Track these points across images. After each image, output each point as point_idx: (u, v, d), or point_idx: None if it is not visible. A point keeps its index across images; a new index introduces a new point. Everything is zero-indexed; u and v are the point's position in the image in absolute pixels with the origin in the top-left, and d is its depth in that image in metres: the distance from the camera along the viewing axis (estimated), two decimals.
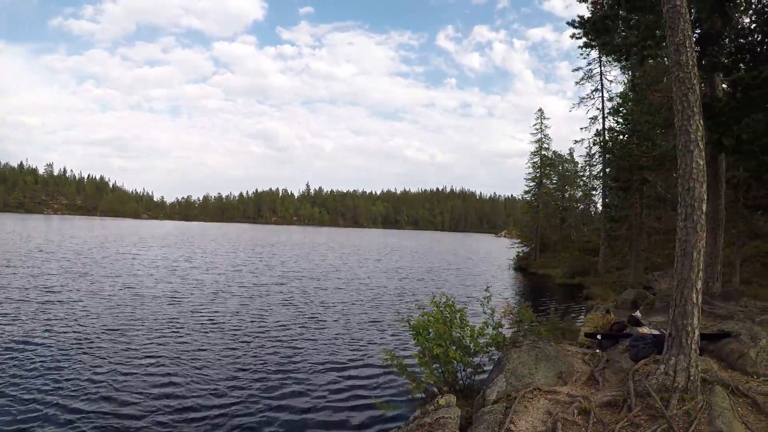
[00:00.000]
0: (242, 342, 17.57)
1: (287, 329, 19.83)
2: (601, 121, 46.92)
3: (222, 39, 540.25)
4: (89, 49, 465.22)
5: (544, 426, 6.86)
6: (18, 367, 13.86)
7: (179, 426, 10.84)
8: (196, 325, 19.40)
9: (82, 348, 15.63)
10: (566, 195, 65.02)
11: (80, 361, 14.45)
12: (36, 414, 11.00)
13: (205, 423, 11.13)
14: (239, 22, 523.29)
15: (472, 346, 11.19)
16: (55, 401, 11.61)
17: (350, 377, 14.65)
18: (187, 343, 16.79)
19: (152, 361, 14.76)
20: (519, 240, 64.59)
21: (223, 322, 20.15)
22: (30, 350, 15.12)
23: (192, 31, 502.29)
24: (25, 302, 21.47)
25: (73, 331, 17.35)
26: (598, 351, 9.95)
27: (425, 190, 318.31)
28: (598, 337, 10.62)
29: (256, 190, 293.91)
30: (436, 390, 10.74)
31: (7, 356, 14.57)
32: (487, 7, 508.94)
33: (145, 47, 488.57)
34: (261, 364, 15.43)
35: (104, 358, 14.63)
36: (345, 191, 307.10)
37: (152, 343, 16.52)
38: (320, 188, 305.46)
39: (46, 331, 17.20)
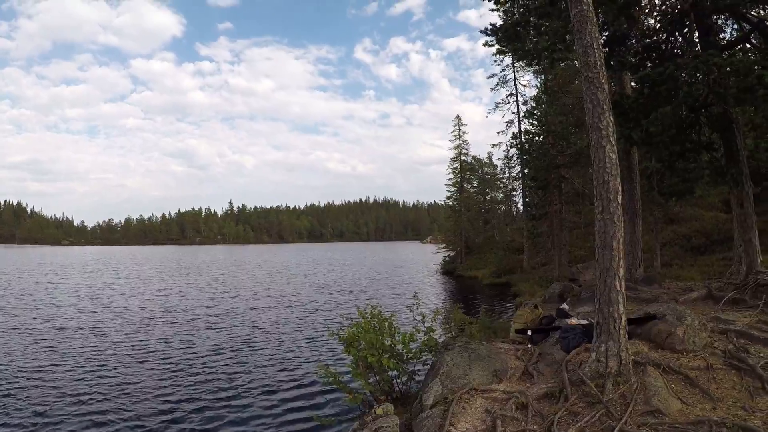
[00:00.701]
0: (173, 370, 16.76)
1: (219, 353, 19.15)
2: (517, 124, 48.25)
3: (140, 56, 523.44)
4: (4, 67, 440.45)
5: (483, 425, 6.83)
6: None
7: None
8: (123, 356, 18.41)
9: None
10: (488, 197, 66.40)
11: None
12: None
13: None
14: (157, 38, 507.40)
15: (404, 352, 11.10)
16: None
17: (287, 396, 14.33)
18: (114, 376, 15.84)
19: (78, 399, 13.81)
20: (444, 245, 65.51)
21: (152, 351, 19.29)
22: None
23: (109, 48, 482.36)
24: None
25: None
26: (530, 346, 10.04)
27: (348, 202, 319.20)
28: (529, 332, 10.73)
29: (179, 211, 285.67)
30: (373, 400, 10.59)
31: None
32: (403, 19, 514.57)
33: (61, 65, 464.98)
34: (194, 391, 14.77)
35: (23, 399, 13.66)
36: (269, 207, 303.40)
37: (77, 379, 15.50)
38: (243, 205, 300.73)
39: None
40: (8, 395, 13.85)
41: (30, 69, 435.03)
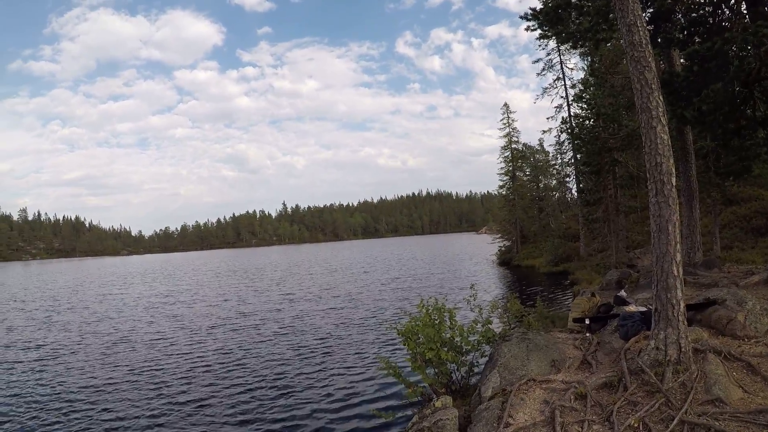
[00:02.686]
0: (243, 366, 17.47)
1: (283, 352, 19.63)
2: (566, 108, 47.34)
3: (183, 67, 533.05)
4: (51, 89, 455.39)
5: (542, 416, 6.78)
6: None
7: None
8: (194, 365, 18.73)
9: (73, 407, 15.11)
10: (541, 185, 65.32)
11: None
12: None
13: None
14: (199, 49, 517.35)
15: (463, 345, 11.11)
16: None
17: (349, 389, 14.57)
18: (186, 385, 15.96)
19: (150, 408, 14.23)
20: (499, 235, 64.74)
21: (217, 354, 19.82)
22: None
23: (152, 62, 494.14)
24: (3, 365, 19.81)
25: (60, 390, 16.25)
26: (588, 335, 9.93)
27: (401, 196, 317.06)
28: (587, 321, 10.60)
29: (234, 215, 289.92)
30: (432, 393, 10.63)
31: None
32: (442, 10, 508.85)
33: (107, 82, 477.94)
34: (260, 384, 15.42)
35: (98, 413, 13.88)
36: (322, 206, 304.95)
37: (150, 390, 15.67)
38: (297, 206, 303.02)
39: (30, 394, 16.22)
40: (82, 410, 14.00)
41: (77, 89, 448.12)
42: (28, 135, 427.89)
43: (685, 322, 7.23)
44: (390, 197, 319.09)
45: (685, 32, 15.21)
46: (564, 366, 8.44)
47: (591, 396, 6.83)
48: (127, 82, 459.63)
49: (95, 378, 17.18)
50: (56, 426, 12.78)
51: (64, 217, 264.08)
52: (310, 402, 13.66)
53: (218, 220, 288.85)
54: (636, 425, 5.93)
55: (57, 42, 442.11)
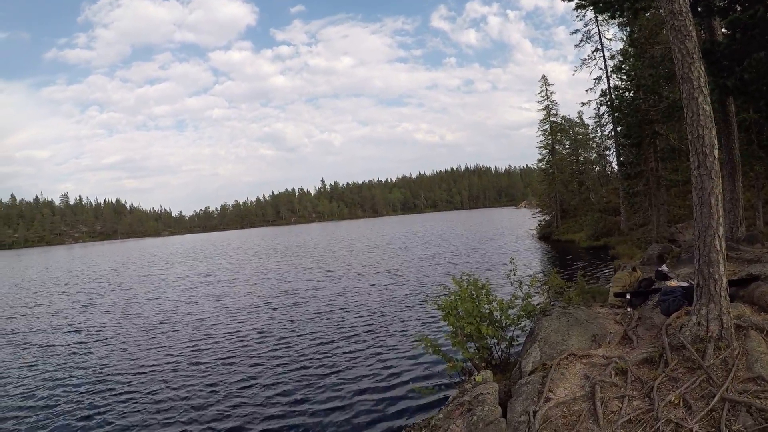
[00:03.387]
0: (286, 345, 17.76)
1: (324, 327, 19.98)
2: (605, 80, 46.19)
3: (218, 48, 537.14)
4: (88, 76, 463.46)
5: (582, 390, 6.79)
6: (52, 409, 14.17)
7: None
8: (237, 341, 19.22)
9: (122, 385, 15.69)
10: (581, 158, 64.22)
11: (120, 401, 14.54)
12: None
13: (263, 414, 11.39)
14: (232, 29, 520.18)
15: (503, 319, 11.13)
16: None
17: (391, 366, 14.73)
18: (229, 366, 16.20)
19: (195, 389, 14.57)
20: (539, 209, 64.06)
21: (265, 331, 20.17)
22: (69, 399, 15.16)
23: (187, 44, 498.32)
24: (48, 349, 20.10)
25: (105, 372, 16.50)
26: (629, 309, 9.83)
27: (440, 171, 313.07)
28: (628, 295, 10.48)
29: (273, 193, 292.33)
30: (472, 367, 10.70)
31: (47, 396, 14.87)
32: None
33: (142, 67, 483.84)
34: (303, 363, 15.66)
35: (145, 395, 14.10)
36: (360, 182, 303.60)
37: (195, 370, 15.95)
38: (335, 183, 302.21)
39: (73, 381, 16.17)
40: (124, 392, 14.11)
41: (113, 74, 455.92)
42: (67, 122, 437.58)
43: (728, 298, 7.10)
44: (428, 172, 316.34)
45: (727, 0, 14.74)
46: (604, 341, 8.40)
47: (631, 371, 6.80)
48: (163, 65, 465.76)
49: (136, 360, 17.47)
50: (98, 408, 13.03)
51: (105, 200, 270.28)
52: (352, 380, 13.86)
53: (257, 199, 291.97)
54: (676, 402, 5.90)
55: (91, 29, 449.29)
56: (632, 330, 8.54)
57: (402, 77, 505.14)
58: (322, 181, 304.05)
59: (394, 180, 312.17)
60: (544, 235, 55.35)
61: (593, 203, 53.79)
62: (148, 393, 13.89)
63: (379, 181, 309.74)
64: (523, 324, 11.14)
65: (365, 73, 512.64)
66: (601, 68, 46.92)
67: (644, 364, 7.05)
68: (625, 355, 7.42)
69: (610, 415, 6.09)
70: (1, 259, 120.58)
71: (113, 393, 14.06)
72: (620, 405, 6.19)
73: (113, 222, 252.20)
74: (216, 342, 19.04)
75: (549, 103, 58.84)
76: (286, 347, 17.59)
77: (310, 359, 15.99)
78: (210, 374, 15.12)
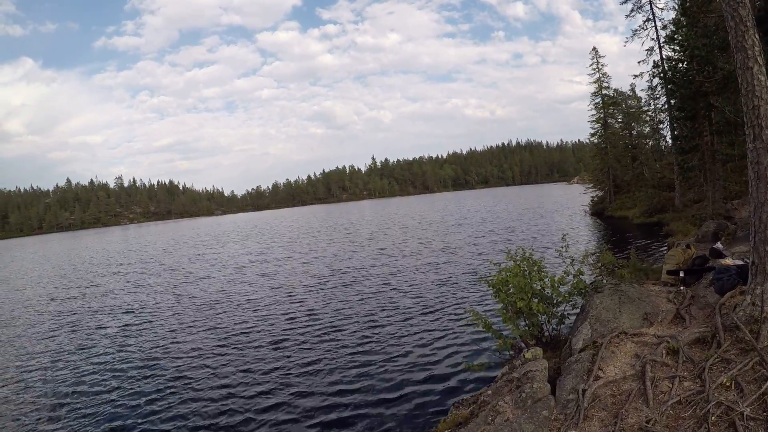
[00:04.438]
0: (337, 326, 17.84)
1: (379, 306, 20.15)
2: (657, 51, 44.30)
3: (264, 30, 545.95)
4: (137, 62, 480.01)
5: (632, 369, 6.69)
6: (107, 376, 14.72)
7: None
8: (290, 320, 19.52)
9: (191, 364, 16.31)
10: (634, 132, 62.35)
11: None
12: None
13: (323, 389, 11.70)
14: (278, 10, 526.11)
15: (554, 296, 11.02)
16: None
17: (440, 341, 14.84)
18: (280, 349, 16.14)
19: (254, 369, 15.12)
20: (591, 185, 62.54)
21: (318, 311, 20.33)
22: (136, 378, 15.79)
23: (234, 27, 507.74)
24: (100, 331, 20.36)
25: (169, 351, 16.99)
26: (682, 288, 9.59)
27: (491, 147, 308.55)
28: (681, 273, 10.22)
29: (324, 171, 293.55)
30: (522, 344, 10.67)
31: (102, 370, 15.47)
32: None
33: (191, 50, 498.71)
34: (356, 335, 16.17)
35: (196, 377, 14.39)
36: (411, 159, 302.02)
37: (254, 352, 16.00)
38: (386, 160, 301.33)
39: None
40: (179, 376, 14.10)
41: (162, 59, 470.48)
42: (119, 107, 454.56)
43: None
44: (479, 148, 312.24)
45: None
46: (656, 319, 8.23)
47: (683, 351, 6.62)
48: (211, 48, 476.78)
49: (186, 342, 17.55)
50: (149, 393, 13.08)
51: (158, 181, 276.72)
52: (403, 355, 14.05)
53: (308, 177, 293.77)
54: (728, 384, 5.72)
55: (138, 16, 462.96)
56: (685, 309, 8.33)
57: (450, 52, 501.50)
58: (373, 158, 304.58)
59: (444, 156, 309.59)
60: (597, 211, 54.01)
61: (647, 178, 52.22)
62: (198, 376, 13.98)
63: (430, 158, 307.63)
64: (574, 301, 11.01)
65: (413, 49, 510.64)
66: (653, 39, 45.04)
67: (696, 344, 6.87)
68: (676, 335, 7.24)
69: (660, 396, 5.98)
70: (58, 240, 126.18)
71: (163, 378, 14.08)
72: (670, 386, 6.07)
73: (167, 202, 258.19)
74: (268, 323, 19.03)
75: (600, 75, 56.73)
76: (338, 324, 17.78)
77: (363, 335, 16.23)
78: (262, 357, 15.11)
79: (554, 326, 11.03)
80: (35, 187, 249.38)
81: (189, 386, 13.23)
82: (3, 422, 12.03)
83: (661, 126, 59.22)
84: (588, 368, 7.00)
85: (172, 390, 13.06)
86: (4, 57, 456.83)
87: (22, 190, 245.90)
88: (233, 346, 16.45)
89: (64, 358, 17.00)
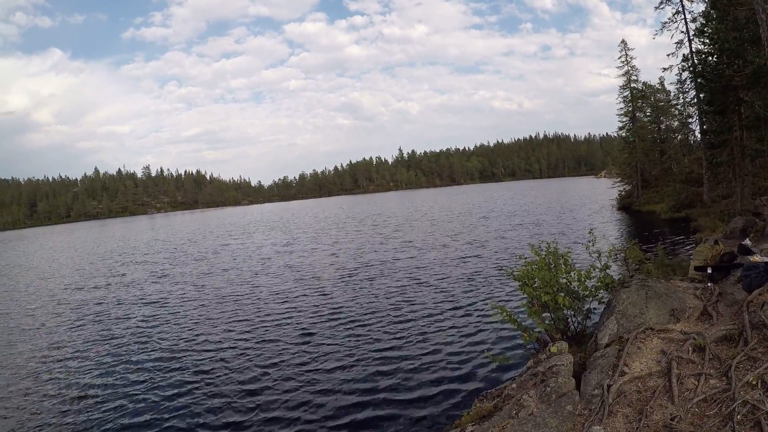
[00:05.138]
0: (361, 321, 17.83)
1: (404, 296, 20.28)
2: (687, 44, 43.27)
3: (292, 21, 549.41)
4: (165, 52, 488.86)
5: (658, 366, 6.61)
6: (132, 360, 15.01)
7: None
8: (316, 312, 19.53)
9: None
10: (662, 126, 61.27)
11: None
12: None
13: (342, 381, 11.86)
14: (305, 1, 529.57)
15: (580, 290, 10.93)
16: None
17: (466, 333, 14.87)
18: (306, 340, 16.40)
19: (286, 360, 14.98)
20: (619, 179, 61.58)
21: (345, 304, 20.38)
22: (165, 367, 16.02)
23: (261, 18, 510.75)
24: (124, 322, 20.47)
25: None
26: (709, 284, 9.44)
27: (518, 139, 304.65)
28: (709, 270, 10.06)
29: (350, 162, 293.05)
30: (548, 338, 10.61)
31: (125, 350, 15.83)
32: None
33: (218, 41, 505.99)
34: (382, 327, 16.30)
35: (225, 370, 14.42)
36: (438, 151, 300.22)
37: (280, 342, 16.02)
38: (413, 151, 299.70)
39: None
40: (203, 370, 13.99)
41: (190, 50, 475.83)
42: (147, 97, 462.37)
43: None
44: (506, 140, 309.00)
45: None
46: (683, 316, 8.11)
47: (709, 349, 6.51)
48: (238, 39, 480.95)
49: (210, 335, 17.49)
50: (171, 385, 13.15)
51: (185, 171, 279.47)
52: (428, 347, 14.12)
53: (335, 168, 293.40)
54: (754, 382, 5.59)
55: (166, 8, 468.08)
56: (712, 305, 8.20)
57: (477, 44, 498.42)
58: (400, 150, 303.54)
59: (471, 148, 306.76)
60: (624, 205, 53.27)
61: (675, 173, 51.41)
62: (223, 370, 13.87)
63: (457, 150, 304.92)
64: (600, 295, 10.90)
65: (440, 40, 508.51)
66: (682, 32, 43.99)
67: (723, 341, 6.74)
68: (703, 332, 7.13)
69: (686, 393, 5.89)
70: (86, 229, 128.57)
71: (188, 371, 14.06)
72: (696, 383, 5.98)
73: (194, 192, 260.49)
74: (294, 317, 18.84)
75: (629, 68, 55.71)
76: (364, 318, 17.78)
77: (388, 329, 16.28)
78: (288, 351, 15.02)
79: (580, 321, 10.93)
80: (63, 176, 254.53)
81: (213, 381, 13.17)
82: (26, 414, 12.14)
83: (689, 120, 58.17)
84: (613, 364, 6.93)
85: (196, 384, 13.03)
86: (33, 48, 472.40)
87: (50, 179, 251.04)
88: (259, 340, 16.33)
89: (89, 349, 17.11)
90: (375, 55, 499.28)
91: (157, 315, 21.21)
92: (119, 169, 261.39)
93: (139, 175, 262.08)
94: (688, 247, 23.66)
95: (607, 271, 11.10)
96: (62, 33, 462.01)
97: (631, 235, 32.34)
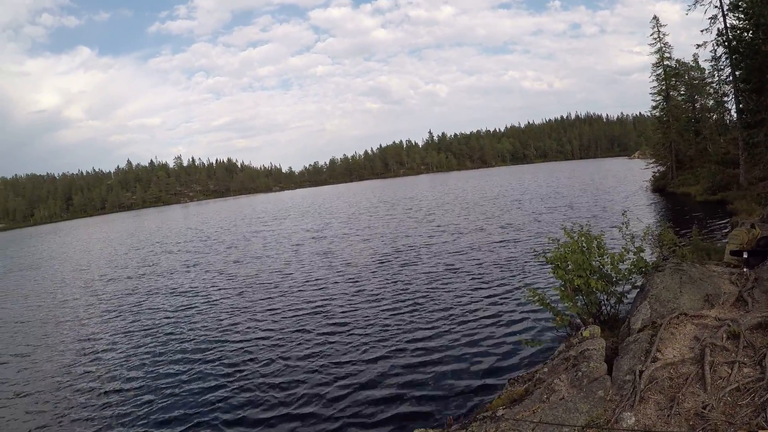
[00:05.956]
0: (398, 295, 18.29)
1: (439, 282, 20.16)
2: (721, 19, 41.57)
3: (316, 7, 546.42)
4: (191, 44, 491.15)
5: (691, 352, 6.50)
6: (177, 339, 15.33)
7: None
8: (350, 301, 19.37)
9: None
10: (697, 105, 59.49)
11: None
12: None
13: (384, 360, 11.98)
14: None
15: (613, 274, 10.79)
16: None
17: (499, 317, 14.80)
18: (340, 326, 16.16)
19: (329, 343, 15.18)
20: (653, 160, 59.85)
21: (378, 292, 20.24)
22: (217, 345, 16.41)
23: (285, 6, 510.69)
24: (158, 312, 20.50)
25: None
26: (745, 270, 9.21)
27: (549, 120, 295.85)
28: (745, 254, 9.81)
29: (380, 146, 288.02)
30: (580, 322, 10.51)
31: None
32: None
33: (244, 31, 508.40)
34: (416, 313, 16.21)
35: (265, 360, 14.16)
36: (468, 133, 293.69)
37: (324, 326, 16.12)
38: (443, 134, 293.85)
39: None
40: (235, 362, 13.85)
41: (216, 40, 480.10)
42: (175, 89, 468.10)
43: None
44: (537, 121, 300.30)
45: None
46: (718, 301, 7.95)
47: (744, 336, 6.35)
48: (264, 27, 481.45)
49: (244, 323, 17.44)
50: (206, 375, 13.16)
51: (216, 160, 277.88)
52: (462, 330, 14.13)
53: (365, 152, 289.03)
54: None
55: (190, 0, 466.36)
56: (748, 291, 8.00)
57: (505, 24, 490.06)
58: (430, 133, 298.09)
59: (502, 130, 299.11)
60: (658, 187, 51.87)
61: (710, 154, 49.99)
62: (259, 360, 13.78)
63: (488, 131, 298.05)
64: (633, 279, 10.74)
65: (467, 21, 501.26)
66: (716, 6, 41.91)
67: (758, 329, 6.57)
68: (738, 318, 6.96)
69: (718, 381, 5.78)
70: (121, 220, 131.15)
71: (223, 363, 13.95)
72: (729, 371, 5.85)
73: (225, 180, 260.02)
74: (330, 304, 18.73)
75: (661, 45, 53.69)
76: (397, 303, 17.76)
77: (422, 312, 16.33)
78: (326, 338, 14.93)
79: (612, 305, 10.81)
80: (97, 170, 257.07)
81: (245, 373, 13.00)
82: (61, 406, 12.29)
83: (725, 99, 56.16)
84: (646, 349, 6.84)
85: (228, 377, 12.89)
86: (61, 47, 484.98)
87: (84, 173, 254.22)
88: (292, 330, 16.16)
89: (122, 340, 17.28)
90: (401, 38, 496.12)
91: (190, 305, 21.24)
92: (151, 160, 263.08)
93: (171, 165, 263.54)
94: (723, 231, 23.01)
95: (641, 254, 10.92)
96: (89, 31, 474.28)
97: (665, 218, 31.62)
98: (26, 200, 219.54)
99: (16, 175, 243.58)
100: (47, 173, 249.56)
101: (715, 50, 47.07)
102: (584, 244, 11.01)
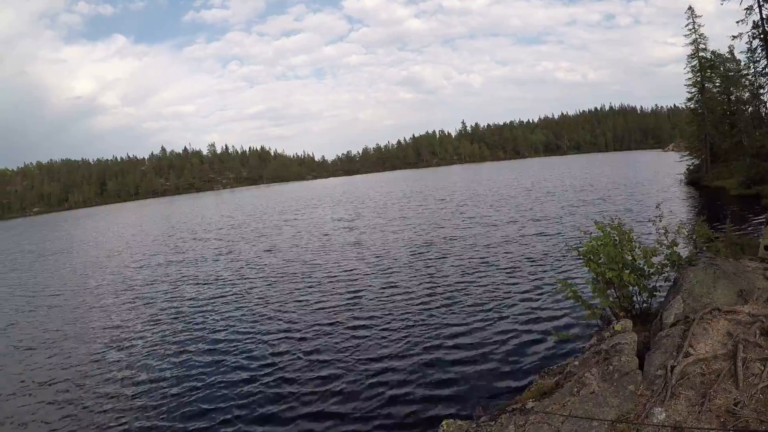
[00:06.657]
0: (430, 288, 18.33)
1: (471, 274, 20.17)
2: (757, 10, 40.12)
3: None
4: (225, 33, 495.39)
5: (724, 348, 6.37)
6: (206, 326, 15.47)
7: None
8: (380, 293, 19.28)
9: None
10: (732, 97, 57.87)
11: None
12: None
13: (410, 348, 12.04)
14: None
15: (646, 267, 10.62)
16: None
17: (529, 311, 14.76)
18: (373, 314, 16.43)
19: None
20: (687, 152, 58.45)
21: (408, 284, 20.10)
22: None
23: None
24: (193, 302, 20.44)
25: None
26: None
27: (583, 111, 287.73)
28: None
29: (413, 135, 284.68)
30: (612, 316, 10.40)
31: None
32: None
33: (278, 20, 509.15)
34: (449, 306, 16.23)
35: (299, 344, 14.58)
36: (501, 123, 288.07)
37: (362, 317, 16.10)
38: (476, 124, 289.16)
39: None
40: (265, 354, 13.82)
41: (250, 29, 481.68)
42: (210, 77, 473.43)
43: None
44: (571, 112, 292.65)
45: None
46: (752, 297, 7.76)
47: None
48: (297, 17, 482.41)
49: (275, 315, 17.36)
50: (236, 368, 13.15)
51: (250, 148, 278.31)
52: (491, 324, 14.14)
53: (398, 142, 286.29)
54: None
55: None
56: None
57: (539, 14, 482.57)
58: (463, 123, 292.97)
59: (535, 121, 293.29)
60: (692, 180, 50.72)
61: (746, 147, 48.67)
62: (290, 355, 13.65)
63: (521, 122, 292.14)
64: (666, 273, 10.55)
65: (501, 11, 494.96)
66: None
67: None
68: None
69: (751, 378, 5.66)
70: (154, 206, 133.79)
71: (253, 356, 13.85)
72: (762, 368, 5.72)
73: (259, 168, 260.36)
74: (358, 298, 18.48)
75: (697, 36, 52.57)
76: (429, 296, 17.71)
77: (453, 305, 16.30)
78: (360, 331, 14.82)
79: (645, 299, 10.65)
80: (131, 156, 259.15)
81: (274, 367, 12.92)
82: (91, 396, 12.32)
83: (761, 91, 54.63)
84: (678, 344, 6.73)
85: (257, 371, 12.81)
86: (97, 35, 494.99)
87: (118, 158, 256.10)
88: (324, 322, 16.01)
89: (151, 329, 17.34)
90: (435, 27, 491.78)
91: (220, 295, 21.24)
92: (185, 147, 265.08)
93: (205, 152, 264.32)
94: (758, 226, 22.45)
95: (674, 248, 10.74)
96: (124, 19, 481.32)
97: (699, 211, 31.02)
98: (61, 185, 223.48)
99: (51, 160, 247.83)
100: (82, 159, 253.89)
101: (751, 42, 45.75)
102: (616, 237, 10.87)
